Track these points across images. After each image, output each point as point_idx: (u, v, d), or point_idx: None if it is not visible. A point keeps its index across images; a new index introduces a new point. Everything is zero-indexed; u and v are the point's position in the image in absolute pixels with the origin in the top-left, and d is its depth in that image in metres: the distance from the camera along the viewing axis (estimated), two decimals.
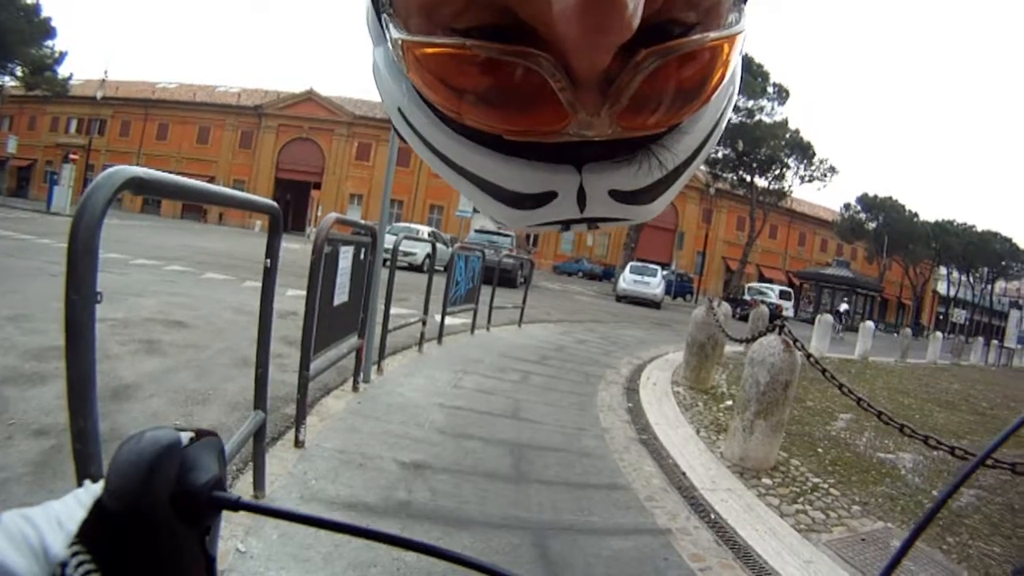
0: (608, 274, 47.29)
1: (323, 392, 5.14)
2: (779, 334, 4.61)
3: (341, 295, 4.34)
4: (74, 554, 0.38)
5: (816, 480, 4.66)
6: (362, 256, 4.76)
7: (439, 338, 8.06)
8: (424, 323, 7.33)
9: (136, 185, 1.39)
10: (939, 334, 23.22)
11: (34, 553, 0.37)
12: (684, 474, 4.33)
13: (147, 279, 10.34)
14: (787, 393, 4.57)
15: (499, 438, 4.59)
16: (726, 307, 8.08)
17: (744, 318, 16.13)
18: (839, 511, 4.16)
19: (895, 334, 38.41)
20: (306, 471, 3.49)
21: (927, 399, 10.51)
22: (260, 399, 2.91)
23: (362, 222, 4.91)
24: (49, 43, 40.22)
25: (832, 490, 4.52)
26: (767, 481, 4.47)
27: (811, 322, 36.56)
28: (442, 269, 8.68)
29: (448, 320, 8.27)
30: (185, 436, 0.46)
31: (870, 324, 17.88)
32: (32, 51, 38.85)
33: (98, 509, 0.41)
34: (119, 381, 4.73)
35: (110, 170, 1.34)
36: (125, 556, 0.40)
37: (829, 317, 16.47)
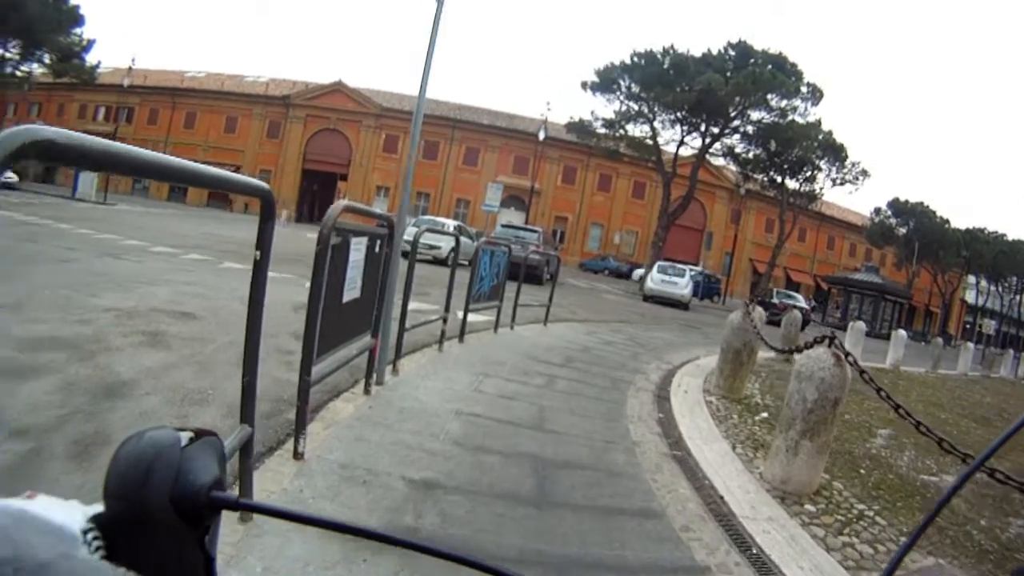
0: (630, 272, 46.71)
1: (331, 394, 4.82)
2: (829, 346, 4.19)
3: (352, 291, 3.99)
4: (87, 531, 0.41)
5: (861, 507, 4.24)
6: (377, 249, 4.40)
7: (460, 336, 7.70)
8: (445, 321, 6.98)
9: (43, 150, 1.02)
10: (970, 345, 22.53)
11: (59, 529, 0.39)
12: (722, 498, 3.94)
13: (163, 267, 10.17)
14: (836, 411, 4.17)
15: (520, 452, 4.22)
16: (760, 311, 7.62)
17: (775, 323, 15.59)
18: (887, 544, 3.74)
19: (922, 342, 37.63)
20: (302, 488, 3.14)
21: (961, 414, 9.98)
22: (247, 411, 2.55)
23: (378, 211, 4.54)
24: (77, 31, 40.64)
25: (878, 519, 4.10)
26: (810, 508, 4.06)
27: (840, 327, 36.07)
28: (466, 263, 8.35)
29: (471, 317, 7.92)
30: (184, 436, 0.49)
31: (903, 333, 17.27)
32: (60, 39, 39.13)
33: (98, 509, 0.43)
34: (115, 377, 4.47)
35: (8, 130, 0.96)
36: (125, 555, 0.41)
37: (862, 324, 15.88)
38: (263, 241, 2.44)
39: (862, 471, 5.15)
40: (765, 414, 6.49)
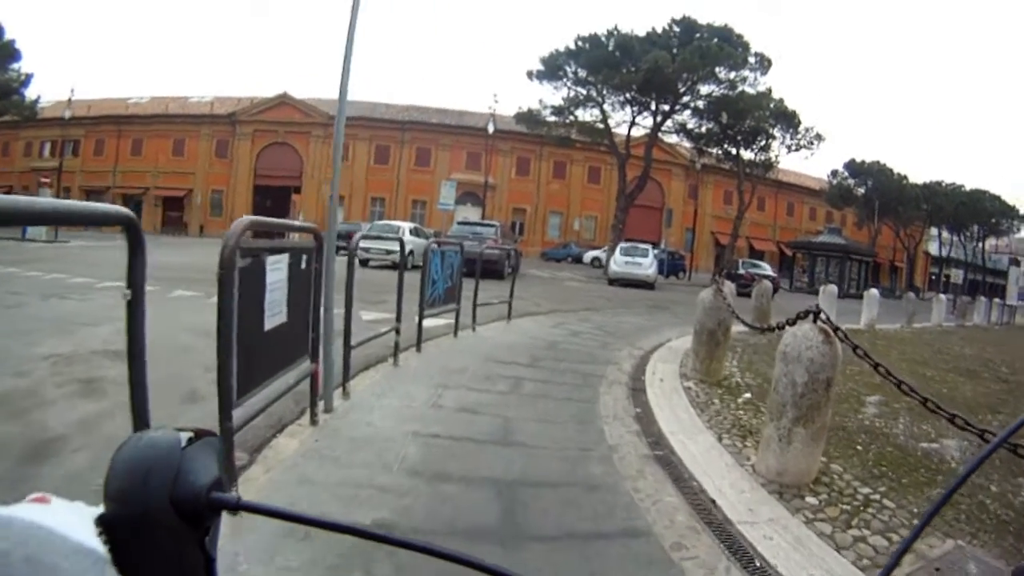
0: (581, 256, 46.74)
1: (276, 428, 4.34)
2: (815, 321, 3.79)
3: (276, 316, 3.51)
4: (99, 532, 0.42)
5: (866, 491, 3.86)
6: (304, 265, 3.93)
7: (418, 345, 7.24)
8: (398, 332, 6.51)
9: None
10: (942, 296, 22.51)
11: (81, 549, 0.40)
12: (714, 502, 3.52)
13: (109, 303, 9.58)
14: (829, 393, 3.77)
15: (484, 475, 3.76)
16: (730, 286, 7.24)
17: (745, 294, 15.30)
18: (901, 532, 3.37)
19: (892, 298, 37.72)
20: (237, 552, 2.67)
21: (946, 369, 9.71)
22: None
23: (297, 223, 4.06)
24: (14, 66, 39.38)
25: (886, 502, 3.73)
26: (812, 500, 3.67)
27: (808, 292, 36.06)
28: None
29: (429, 323, 7.47)
30: (184, 437, 0.49)
31: (875, 292, 17.08)
32: None
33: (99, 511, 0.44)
34: (45, 434, 4.02)
35: None
36: (125, 557, 0.42)
37: (833, 288, 15.63)
38: (134, 278, 1.97)
39: (859, 447, 4.79)
40: (748, 395, 6.12)
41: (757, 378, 7.07)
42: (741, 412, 5.52)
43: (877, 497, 3.78)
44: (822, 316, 3.78)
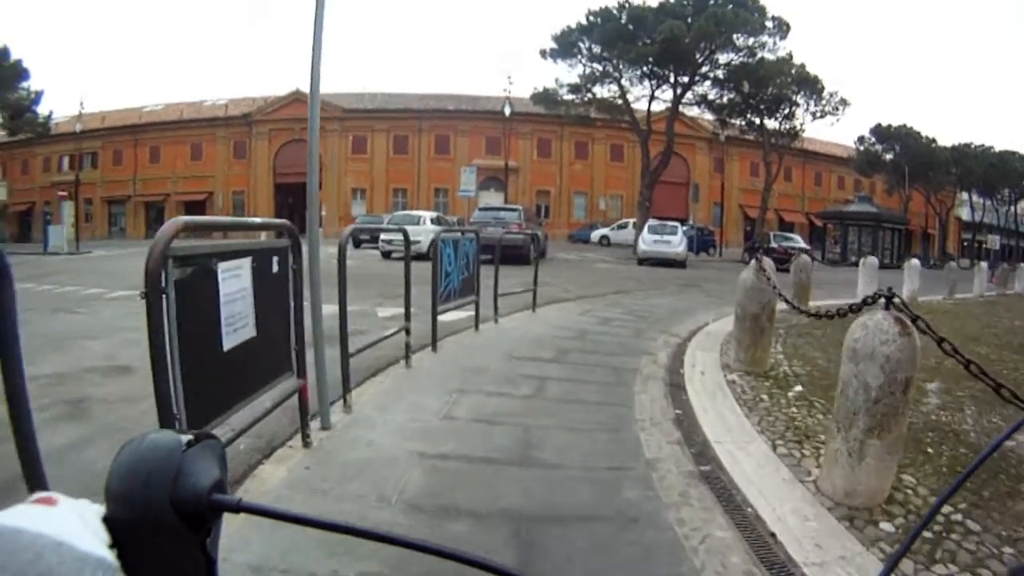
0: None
1: (263, 454, 3.82)
2: (888, 308, 3.13)
3: (239, 330, 2.94)
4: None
5: (945, 509, 3.16)
6: (276, 267, 3.35)
7: (433, 344, 6.67)
8: (408, 331, 5.95)
9: None
10: (983, 264, 21.55)
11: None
12: (774, 536, 2.89)
13: (114, 315, 9.39)
14: (907, 396, 3.12)
15: (499, 507, 3.16)
16: (769, 262, 6.53)
17: (781, 270, 14.53)
18: (992, 563, 2.74)
19: (925, 268, 36.55)
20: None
21: (999, 345, 8.87)
22: None
23: (257, 220, 3.47)
24: (24, 84, 39.46)
25: (970, 523, 3.05)
26: (887, 526, 3.02)
27: (840, 263, 34.97)
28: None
29: (447, 317, 6.95)
30: (184, 439, 0.48)
31: (915, 262, 16.20)
32: (8, 95, 38.14)
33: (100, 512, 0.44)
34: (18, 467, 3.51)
35: None
36: (127, 558, 0.42)
37: (874, 260, 14.77)
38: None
39: (929, 449, 4.12)
40: (799, 387, 5.47)
41: (806, 366, 6.42)
42: (794, 410, 4.88)
43: (959, 517, 3.10)
44: (895, 301, 3.12)
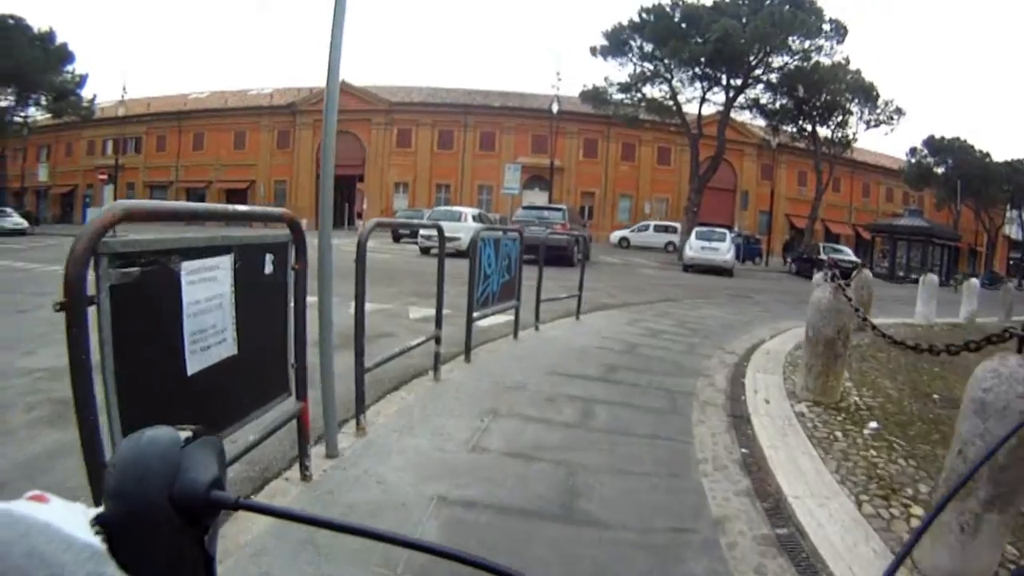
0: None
1: (255, 485, 3.24)
2: (1020, 350, 2.40)
3: (212, 347, 2.29)
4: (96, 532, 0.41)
5: None
6: (268, 267, 2.70)
7: (466, 354, 6.03)
8: (438, 340, 5.30)
9: None
10: None
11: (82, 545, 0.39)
12: None
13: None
14: None
15: None
16: (818, 276, 5.77)
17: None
18: None
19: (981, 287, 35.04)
20: None
21: None
22: None
23: (242, 208, 2.81)
24: (69, 68, 39.91)
25: None
26: None
27: (888, 278, 33.47)
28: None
29: (485, 322, 6.36)
30: (183, 436, 0.47)
31: (975, 281, 15.23)
32: (53, 78, 38.47)
33: (100, 511, 0.43)
34: None
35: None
36: (126, 554, 0.41)
37: (933, 277, 13.77)
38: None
39: None
40: (874, 424, 4.72)
41: (877, 396, 5.66)
42: (872, 452, 4.13)
43: None
44: None
